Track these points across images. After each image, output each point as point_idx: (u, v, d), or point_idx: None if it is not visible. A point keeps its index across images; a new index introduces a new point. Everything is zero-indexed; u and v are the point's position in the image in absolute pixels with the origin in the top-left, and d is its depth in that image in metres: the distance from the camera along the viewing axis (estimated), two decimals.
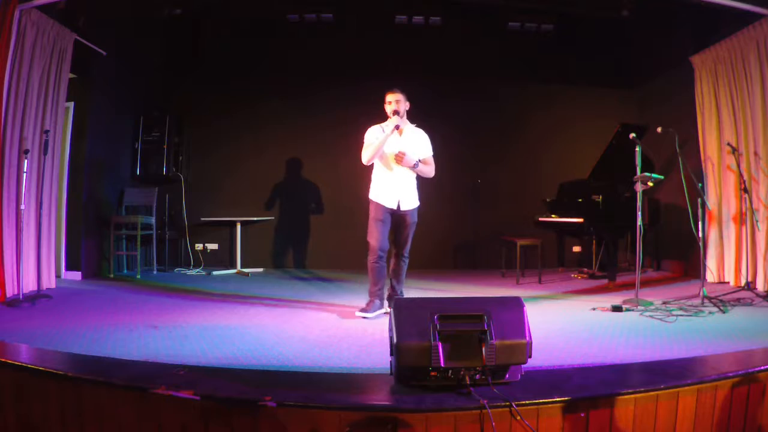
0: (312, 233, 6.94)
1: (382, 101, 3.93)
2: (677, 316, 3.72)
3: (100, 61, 5.62)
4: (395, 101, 3.87)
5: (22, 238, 4.27)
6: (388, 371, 2.23)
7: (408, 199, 3.93)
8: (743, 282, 4.78)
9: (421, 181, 4.08)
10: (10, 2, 4.12)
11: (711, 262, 5.36)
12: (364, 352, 2.84)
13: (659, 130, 4.36)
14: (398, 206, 3.89)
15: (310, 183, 6.91)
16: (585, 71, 6.83)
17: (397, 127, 3.82)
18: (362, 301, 3.96)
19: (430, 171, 4.03)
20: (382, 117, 3.97)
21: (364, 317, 3.73)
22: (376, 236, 3.88)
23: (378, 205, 3.92)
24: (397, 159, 3.82)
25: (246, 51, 6.82)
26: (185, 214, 6.68)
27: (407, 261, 4.05)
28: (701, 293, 4.13)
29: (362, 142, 3.95)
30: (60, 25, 4.78)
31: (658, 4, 5.55)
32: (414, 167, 3.88)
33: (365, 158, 3.90)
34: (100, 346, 2.87)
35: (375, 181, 4.00)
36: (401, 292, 4.06)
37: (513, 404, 1.93)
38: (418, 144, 3.98)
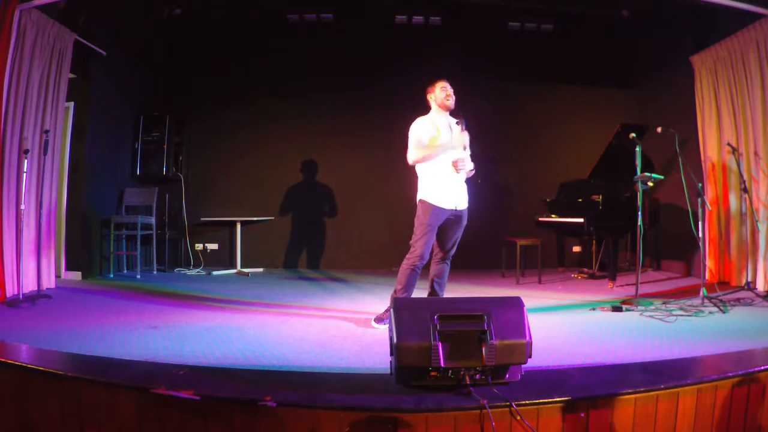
0: (312, 233, 6.93)
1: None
2: (677, 316, 3.72)
3: (100, 61, 5.62)
4: (450, 88, 3.57)
5: (22, 238, 4.27)
6: (388, 371, 2.23)
7: (465, 198, 3.64)
8: (743, 282, 4.78)
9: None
10: (10, 2, 4.12)
11: (711, 262, 5.35)
12: (364, 352, 2.84)
13: (659, 130, 4.36)
14: (456, 207, 3.55)
15: (310, 183, 6.90)
16: (585, 71, 6.82)
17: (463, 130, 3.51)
18: (363, 302, 3.92)
19: (473, 169, 3.76)
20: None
21: (377, 328, 3.44)
22: (426, 243, 3.49)
23: (436, 208, 3.49)
24: (456, 167, 3.51)
25: (246, 51, 6.82)
26: (185, 214, 6.68)
27: (450, 263, 3.74)
28: (701, 293, 4.13)
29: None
30: (60, 25, 4.78)
31: (658, 4, 5.55)
32: (471, 171, 3.66)
33: (414, 158, 3.53)
34: (100, 346, 2.87)
35: (431, 181, 3.55)
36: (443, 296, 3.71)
37: (513, 404, 1.93)
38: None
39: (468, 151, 3.67)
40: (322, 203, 6.90)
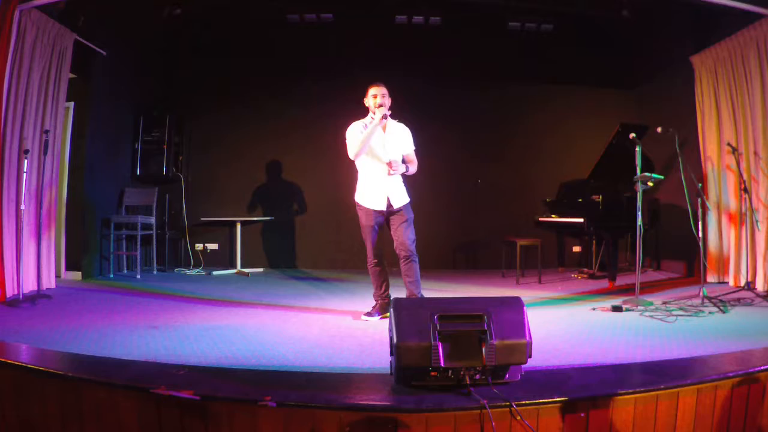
0: (312, 233, 6.93)
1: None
2: (677, 316, 3.72)
3: (100, 61, 5.62)
4: (381, 95, 3.69)
5: (22, 238, 4.27)
6: (388, 371, 2.23)
7: (398, 196, 3.77)
8: (743, 282, 4.78)
9: (412, 181, 3.96)
10: (10, 2, 4.12)
11: (711, 263, 5.35)
12: (364, 352, 2.84)
13: (659, 130, 4.36)
14: (388, 204, 3.73)
15: (310, 183, 6.91)
16: (585, 71, 6.82)
17: (384, 117, 3.64)
18: (363, 302, 3.97)
19: (413, 169, 3.87)
20: None
21: (367, 320, 3.70)
22: (370, 243, 3.80)
23: (366, 210, 3.77)
24: (390, 167, 3.70)
25: (246, 51, 6.82)
26: (185, 214, 6.68)
27: (416, 260, 3.75)
28: (701, 293, 4.13)
29: None
30: (60, 25, 4.78)
31: (658, 4, 5.54)
32: (406, 171, 3.78)
33: (353, 152, 3.73)
34: (100, 346, 2.87)
35: (360, 183, 3.84)
36: (420, 294, 3.76)
37: (513, 404, 1.93)
38: (401, 140, 3.83)
39: (401, 152, 3.80)
40: (322, 203, 6.90)
